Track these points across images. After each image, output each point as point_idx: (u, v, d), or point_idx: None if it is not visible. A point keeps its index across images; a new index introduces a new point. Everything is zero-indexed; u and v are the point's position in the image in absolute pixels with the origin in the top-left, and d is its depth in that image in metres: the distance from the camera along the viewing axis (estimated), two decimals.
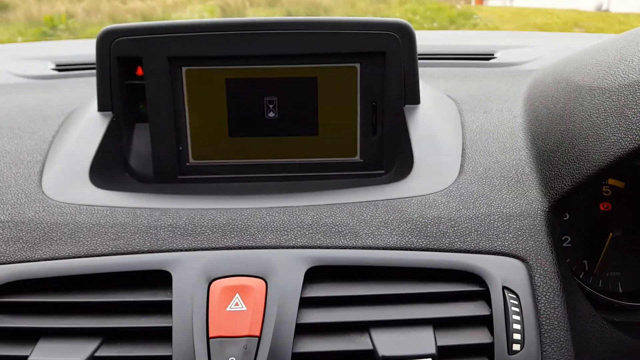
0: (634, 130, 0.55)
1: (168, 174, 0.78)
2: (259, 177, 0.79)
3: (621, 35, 0.70)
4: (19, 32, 6.37)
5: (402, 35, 0.74)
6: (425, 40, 1.11)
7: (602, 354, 0.64)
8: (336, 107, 0.78)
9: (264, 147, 0.79)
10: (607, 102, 0.59)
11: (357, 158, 0.80)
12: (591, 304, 0.69)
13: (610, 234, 0.73)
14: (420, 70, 0.92)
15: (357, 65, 0.76)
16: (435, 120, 0.75)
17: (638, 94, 0.57)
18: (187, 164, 0.79)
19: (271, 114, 0.78)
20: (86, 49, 1.03)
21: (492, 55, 1.03)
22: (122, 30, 0.74)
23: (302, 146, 0.79)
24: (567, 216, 0.74)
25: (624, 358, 0.66)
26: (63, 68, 1.00)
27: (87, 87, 0.87)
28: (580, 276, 0.73)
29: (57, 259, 0.57)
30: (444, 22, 7.64)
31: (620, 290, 0.73)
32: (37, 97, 0.85)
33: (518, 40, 1.13)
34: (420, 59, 0.98)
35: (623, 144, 0.56)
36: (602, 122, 0.59)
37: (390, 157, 0.78)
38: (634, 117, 0.56)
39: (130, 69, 0.77)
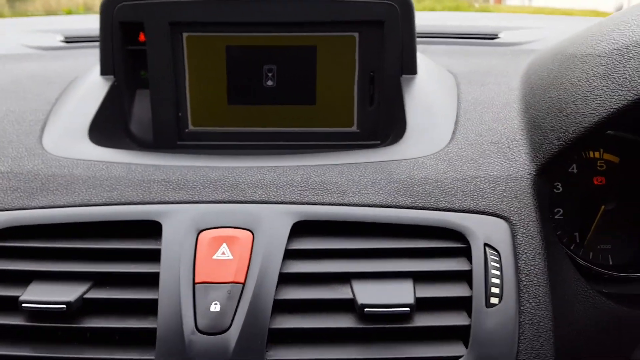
0: (619, 91, 0.56)
1: (167, 140, 0.80)
2: (256, 144, 0.81)
3: (621, 11, 0.70)
4: None
5: (400, 5, 0.75)
6: (431, 20, 1.12)
7: (585, 320, 0.65)
8: (334, 77, 0.79)
9: (263, 115, 0.80)
10: (597, 67, 0.60)
11: (354, 128, 0.81)
12: (580, 274, 0.70)
13: (603, 207, 0.73)
14: (423, 47, 0.93)
15: (356, 35, 0.77)
16: (431, 90, 0.76)
17: (626, 57, 0.57)
18: (187, 130, 0.80)
19: (270, 82, 0.79)
20: (95, 23, 1.05)
21: (496, 35, 1.03)
22: None
23: (299, 115, 0.80)
24: (561, 189, 0.75)
25: (608, 326, 0.66)
26: (72, 40, 1.03)
27: (93, 57, 0.89)
28: (571, 247, 0.73)
29: (52, 207, 0.59)
30: None
31: (611, 263, 0.73)
32: (44, 65, 0.88)
33: (523, 21, 1.14)
34: (424, 36, 0.99)
35: (608, 104, 0.56)
36: (590, 85, 0.59)
37: (387, 127, 0.79)
38: (620, 79, 0.56)
39: (133, 34, 0.78)
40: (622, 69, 0.57)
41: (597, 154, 0.76)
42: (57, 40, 1.03)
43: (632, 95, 0.55)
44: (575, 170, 0.76)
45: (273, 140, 0.81)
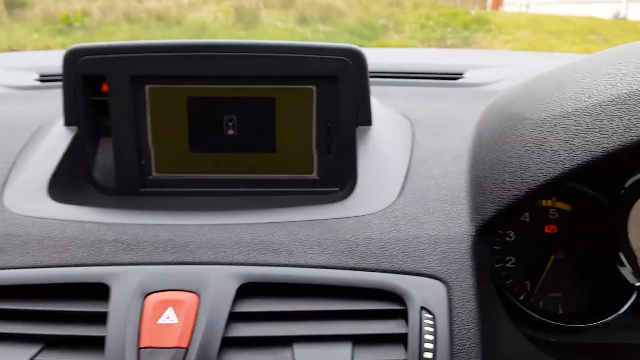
0: (549, 163, 0.58)
1: (130, 187, 0.82)
2: (219, 191, 0.83)
3: (573, 63, 0.72)
4: (35, 30, 6.48)
5: (353, 60, 0.77)
6: (396, 57, 1.14)
7: None
8: (293, 127, 0.81)
9: (224, 163, 0.82)
10: (532, 133, 0.62)
11: (314, 175, 0.83)
12: (527, 324, 0.72)
13: (553, 256, 0.75)
14: (386, 89, 0.95)
15: (313, 88, 0.79)
16: (385, 142, 0.78)
17: (557, 127, 0.59)
18: (150, 177, 0.82)
19: (231, 132, 0.81)
20: None
21: (461, 75, 1.05)
22: (87, 50, 0.78)
23: (260, 162, 0.82)
24: (513, 237, 0.77)
25: None
26: (46, 79, 1.05)
27: None
28: (521, 297, 0.75)
29: (7, 268, 0.61)
30: (458, 27, 7.63)
31: (560, 312, 0.75)
32: (14, 109, 0.90)
33: (489, 59, 1.16)
34: (387, 77, 1.01)
35: (538, 175, 0.58)
36: (525, 152, 0.61)
37: (344, 175, 0.81)
38: (550, 150, 0.58)
39: (96, 85, 0.80)
40: (552, 140, 0.59)
41: (549, 202, 0.78)
42: (31, 78, 1.05)
43: (558, 169, 0.57)
44: (527, 219, 0.77)
45: (235, 186, 0.83)
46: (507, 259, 0.76)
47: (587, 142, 0.55)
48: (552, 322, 0.72)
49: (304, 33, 6.49)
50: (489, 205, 0.64)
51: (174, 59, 0.77)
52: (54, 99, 0.93)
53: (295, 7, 7.29)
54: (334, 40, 6.39)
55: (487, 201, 0.65)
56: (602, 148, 0.54)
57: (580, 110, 0.58)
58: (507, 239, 0.76)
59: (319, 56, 0.77)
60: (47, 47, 6.01)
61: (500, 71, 1.05)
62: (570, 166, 0.56)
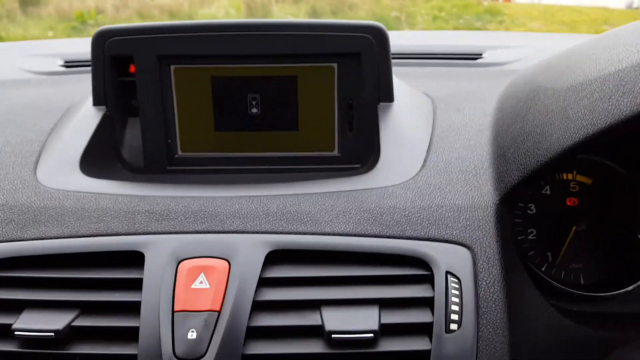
0: (572, 129, 0.59)
1: (158, 165, 0.84)
2: (242, 169, 0.84)
3: (592, 39, 0.73)
4: (49, 27, 6.54)
5: (375, 37, 0.78)
6: (416, 40, 1.15)
7: (547, 341, 0.68)
8: (315, 104, 0.82)
9: (248, 141, 0.84)
10: (555, 103, 0.63)
11: (335, 152, 0.84)
12: (551, 293, 0.73)
13: (574, 227, 0.76)
14: (406, 69, 0.97)
15: (335, 65, 0.81)
16: (407, 117, 0.79)
17: (580, 95, 0.60)
18: (176, 155, 0.84)
19: (254, 110, 0.83)
20: None
21: (480, 55, 1.06)
22: (115, 31, 0.80)
23: (283, 140, 0.84)
24: (534, 210, 0.78)
25: (571, 346, 0.69)
26: (71, 65, 1.07)
27: (90, 82, 0.93)
28: (543, 268, 0.76)
29: (44, 239, 0.63)
30: (471, 18, 7.59)
31: (582, 282, 0.76)
32: (42, 93, 0.92)
33: (507, 40, 1.16)
34: (408, 58, 1.02)
35: (562, 141, 0.60)
36: (548, 121, 0.63)
37: (366, 151, 0.82)
38: (574, 117, 0.59)
39: (124, 66, 0.83)
40: (575, 107, 0.60)
41: (570, 176, 0.79)
42: (56, 64, 1.07)
43: (582, 134, 0.58)
44: (548, 192, 0.78)
45: (258, 164, 0.85)
46: (529, 231, 0.77)
47: (610, 107, 0.56)
48: (575, 291, 0.73)
49: None
50: (513, 174, 0.66)
51: (199, 38, 0.79)
52: (80, 83, 0.95)
53: (307, 0, 7.28)
54: None
55: (510, 170, 0.66)
56: (625, 111, 0.55)
57: (602, 77, 0.59)
58: (529, 211, 0.77)
59: (341, 34, 0.78)
60: None
61: (519, 51, 1.06)
62: (594, 130, 0.57)
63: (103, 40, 0.80)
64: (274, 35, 0.79)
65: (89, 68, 1.02)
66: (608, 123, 0.56)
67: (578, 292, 0.73)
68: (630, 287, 0.72)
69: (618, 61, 0.59)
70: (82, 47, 1.21)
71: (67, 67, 1.06)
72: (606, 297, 0.73)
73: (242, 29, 0.79)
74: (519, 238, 0.76)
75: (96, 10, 6.86)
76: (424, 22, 7.07)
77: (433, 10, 7.59)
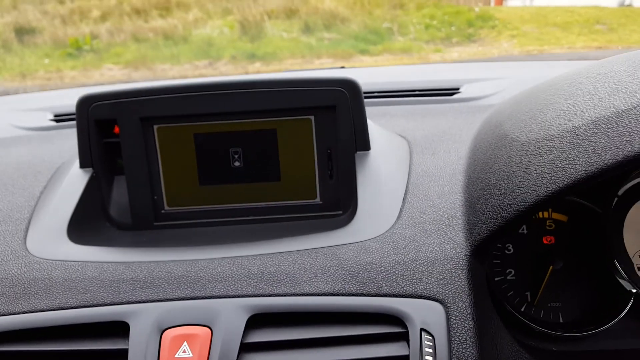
0: (533, 187, 0.61)
1: (145, 221, 0.86)
2: (228, 221, 0.87)
3: (559, 79, 0.75)
4: (45, 55, 6.60)
5: (349, 90, 0.81)
6: (394, 75, 1.17)
7: None
8: (295, 155, 0.85)
9: (232, 193, 0.87)
10: (518, 156, 0.65)
11: (317, 200, 0.86)
12: (530, 335, 0.75)
13: (551, 266, 0.78)
14: (384, 109, 0.99)
15: (312, 118, 0.83)
16: (383, 165, 0.82)
17: (540, 151, 0.62)
18: (162, 211, 0.87)
19: (237, 163, 0.85)
20: None
21: (457, 89, 1.08)
22: (98, 96, 0.82)
23: (266, 191, 0.86)
24: (512, 250, 0.80)
25: None
26: (61, 119, 1.10)
27: None
28: (522, 308, 0.78)
29: (33, 312, 0.66)
30: (463, 25, 7.63)
31: (561, 320, 0.78)
32: (32, 151, 0.95)
33: (486, 72, 1.19)
34: (386, 96, 1.05)
35: (525, 198, 0.62)
36: (512, 175, 0.65)
37: (347, 198, 0.85)
38: (534, 173, 0.61)
39: (108, 128, 0.85)
40: (536, 163, 0.62)
41: (546, 214, 0.81)
42: (46, 118, 1.10)
43: (542, 192, 0.60)
44: (525, 231, 0.80)
45: (243, 215, 0.87)
46: (507, 271, 0.79)
47: (567, 166, 0.58)
48: (553, 332, 0.75)
49: (308, 42, 6.53)
50: (481, 227, 0.68)
51: (180, 99, 0.82)
52: (70, 139, 0.98)
53: (299, 16, 7.34)
54: (339, 46, 6.43)
55: (479, 222, 0.68)
56: (580, 172, 0.57)
57: (560, 134, 0.61)
58: (506, 252, 0.79)
59: (316, 88, 0.81)
60: (59, 71, 6.12)
61: (497, 84, 1.09)
62: (553, 189, 0.59)
63: (87, 105, 0.82)
64: (252, 92, 0.81)
65: None
66: (565, 183, 0.58)
67: (556, 332, 0.75)
68: (609, 325, 0.74)
69: (575, 116, 0.61)
70: (71, 99, 1.24)
71: (57, 121, 1.09)
72: (585, 335, 0.75)
73: (222, 88, 0.81)
74: (496, 279, 0.78)
75: (91, 35, 6.93)
76: (416, 32, 7.12)
77: (425, 18, 7.64)
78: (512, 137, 0.69)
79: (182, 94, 0.82)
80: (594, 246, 0.79)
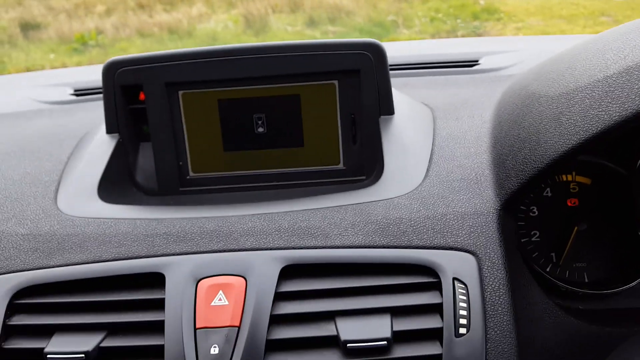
0: (566, 135, 0.62)
1: (170, 187, 0.87)
2: (251, 186, 0.88)
3: (583, 42, 0.76)
4: (51, 50, 6.61)
5: (374, 54, 0.82)
6: (413, 49, 1.18)
7: (553, 340, 0.70)
8: (319, 120, 0.86)
9: (256, 159, 0.87)
10: (548, 110, 0.66)
11: (341, 166, 0.87)
12: (556, 293, 0.75)
13: (576, 227, 0.78)
14: (405, 80, 1.00)
15: (335, 82, 0.84)
16: (408, 129, 0.82)
17: (572, 102, 0.63)
18: (187, 177, 0.87)
19: (260, 129, 0.86)
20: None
21: (477, 61, 1.09)
22: (124, 62, 0.83)
23: (289, 157, 0.87)
24: (536, 212, 0.80)
25: (577, 344, 0.71)
26: (81, 93, 1.11)
27: (101, 110, 0.97)
28: (548, 269, 0.78)
29: (68, 265, 0.67)
30: (468, 18, 7.61)
31: (586, 280, 0.78)
32: (55, 122, 0.96)
33: (503, 45, 1.19)
34: (406, 69, 1.05)
35: (557, 147, 0.62)
36: (543, 128, 0.65)
37: (370, 163, 0.85)
38: (567, 123, 0.62)
39: (134, 94, 0.86)
40: (568, 113, 0.62)
41: (569, 177, 0.81)
42: (67, 93, 1.11)
43: (575, 140, 0.61)
44: (549, 194, 0.81)
45: (267, 181, 0.88)
46: (532, 233, 0.79)
47: (600, 113, 0.59)
48: (579, 289, 0.75)
49: (313, 35, 6.53)
50: (512, 180, 0.68)
51: (204, 64, 0.82)
52: (91, 111, 0.98)
53: (304, 9, 7.33)
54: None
55: (510, 176, 0.69)
56: (614, 117, 0.58)
57: (592, 84, 0.62)
58: (531, 214, 0.80)
59: (340, 52, 0.81)
60: (65, 66, 6.13)
61: (515, 56, 1.09)
62: (586, 136, 0.59)
63: (113, 71, 0.83)
64: (277, 57, 0.82)
65: (98, 96, 1.06)
66: (599, 129, 0.58)
67: (582, 290, 0.75)
68: (634, 283, 0.74)
69: (606, 67, 0.62)
70: (90, 75, 1.25)
71: (77, 95, 1.10)
72: (610, 293, 0.75)
73: (246, 53, 0.82)
74: (522, 240, 0.79)
75: (96, 30, 6.93)
76: (422, 24, 7.10)
77: (430, 11, 7.61)
78: (541, 93, 0.70)
79: (206, 59, 0.82)
80: (618, 207, 0.79)
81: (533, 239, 0.79)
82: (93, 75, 1.23)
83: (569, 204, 0.80)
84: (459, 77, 1.01)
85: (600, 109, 0.59)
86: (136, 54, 0.84)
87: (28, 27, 7.08)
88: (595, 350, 0.71)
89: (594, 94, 0.61)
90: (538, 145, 0.65)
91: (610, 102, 0.58)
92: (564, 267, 0.79)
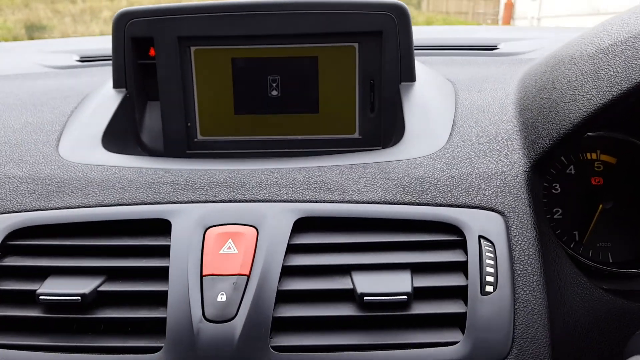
0: (604, 88, 0.58)
1: (177, 149, 0.83)
2: (262, 152, 0.84)
3: (614, 16, 0.73)
4: None
5: (397, 15, 0.78)
6: (432, 32, 1.15)
7: (581, 309, 0.66)
8: (336, 86, 0.82)
9: (268, 124, 0.84)
10: (584, 67, 0.63)
11: (356, 135, 0.83)
12: (581, 271, 0.72)
13: (600, 205, 0.75)
14: (424, 58, 0.96)
15: (356, 45, 0.81)
16: (429, 96, 0.79)
17: (610, 56, 0.60)
18: (195, 139, 0.84)
19: (274, 92, 0.82)
20: (109, 44, 1.10)
21: (495, 46, 1.06)
22: (136, 12, 0.80)
23: (303, 123, 0.83)
24: (559, 189, 0.77)
25: (605, 316, 0.67)
26: (87, 59, 1.07)
27: (107, 74, 0.93)
28: (571, 246, 0.75)
29: (68, 208, 0.62)
30: None
31: (611, 260, 0.75)
32: (60, 82, 0.92)
33: (522, 33, 1.17)
34: (425, 49, 1.02)
35: (595, 100, 0.59)
36: (578, 84, 0.62)
37: (388, 133, 0.82)
38: (605, 76, 0.59)
39: (144, 49, 0.82)
40: (607, 67, 0.59)
41: (594, 155, 0.78)
42: (72, 59, 1.07)
43: (616, 90, 0.57)
44: (572, 172, 0.77)
45: (278, 147, 0.84)
46: (555, 210, 0.76)
47: None
48: (605, 267, 0.71)
49: None
50: (543, 139, 0.65)
51: (219, 19, 0.79)
52: (97, 75, 0.95)
53: None
54: None
55: (540, 136, 0.65)
56: None
57: (633, 37, 0.59)
58: (554, 191, 0.76)
59: (362, 12, 0.78)
60: None
61: (534, 42, 1.06)
62: (628, 86, 0.56)
63: (124, 22, 0.80)
64: (295, 14, 0.79)
65: (104, 62, 1.03)
66: None
67: (608, 268, 0.72)
68: None
69: None
70: (96, 44, 1.21)
71: (83, 62, 1.07)
72: (636, 273, 0.71)
73: (263, 9, 0.79)
74: (546, 217, 0.75)
75: (101, 34, 6.94)
76: None
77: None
78: (575, 54, 0.67)
79: (221, 13, 0.79)
80: None
81: (555, 216, 0.76)
82: (99, 44, 1.20)
83: (593, 182, 0.77)
84: (478, 58, 0.98)
85: None
86: (148, 6, 0.81)
87: (33, 29, 7.10)
88: (623, 324, 0.67)
89: (635, 45, 0.58)
90: (573, 102, 0.62)
91: None
92: (587, 246, 0.75)
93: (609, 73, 0.58)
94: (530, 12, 10.96)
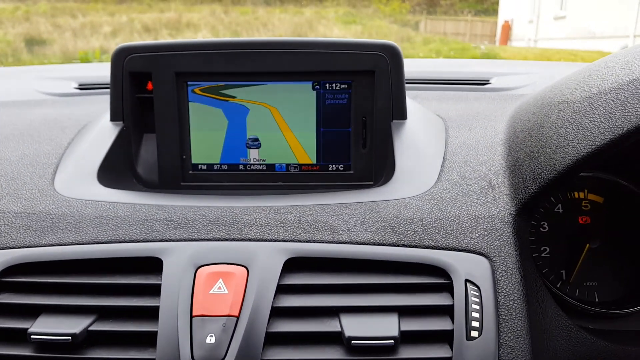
0: (589, 137, 0.60)
1: (172, 181, 0.84)
2: (256, 185, 0.85)
3: (600, 59, 0.75)
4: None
5: (389, 56, 0.80)
6: (425, 66, 1.17)
7: (565, 352, 0.67)
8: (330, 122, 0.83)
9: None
10: (570, 114, 0.64)
11: (349, 169, 0.85)
12: (566, 311, 0.73)
13: (587, 245, 0.76)
14: (416, 92, 0.98)
15: (350, 83, 0.82)
16: (420, 134, 0.80)
17: (595, 105, 0.61)
18: (190, 172, 0.85)
19: None
20: (107, 71, 1.12)
21: (488, 81, 1.08)
22: (135, 48, 0.81)
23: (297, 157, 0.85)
24: (547, 228, 0.78)
25: (588, 358, 0.68)
26: (85, 87, 1.09)
27: (105, 104, 0.94)
28: (558, 285, 0.76)
29: (62, 245, 0.63)
30: None
31: (597, 300, 0.76)
32: (58, 111, 0.93)
33: (515, 68, 1.19)
34: (418, 83, 1.04)
35: (579, 149, 0.60)
36: (564, 131, 0.63)
37: (379, 168, 0.83)
38: (589, 125, 0.60)
39: (141, 83, 0.84)
40: (591, 116, 0.61)
41: (582, 195, 0.79)
42: (71, 87, 1.09)
43: (600, 140, 0.59)
44: (560, 210, 0.79)
45: (272, 180, 0.85)
46: (542, 248, 0.77)
47: (626, 114, 0.57)
48: (591, 307, 0.72)
49: None
50: (529, 184, 0.66)
51: (217, 56, 0.80)
52: (94, 104, 0.96)
53: None
54: None
55: (526, 180, 0.67)
56: None
57: (617, 87, 0.60)
58: (541, 229, 0.78)
59: (356, 52, 0.80)
60: None
61: (526, 78, 1.08)
62: (611, 137, 0.58)
63: (123, 57, 0.81)
64: (291, 53, 0.80)
65: (103, 90, 1.05)
66: (625, 129, 0.57)
67: (594, 309, 0.73)
68: None
69: (631, 72, 0.61)
70: (95, 71, 1.23)
71: (81, 89, 1.08)
72: (622, 314, 0.72)
73: (260, 47, 0.80)
74: (533, 255, 0.76)
75: (100, 50, 6.98)
76: None
77: (431, 53, 7.74)
78: (561, 100, 0.68)
79: (218, 50, 0.81)
80: (630, 227, 0.77)
81: (543, 254, 0.77)
82: (98, 71, 1.21)
83: (581, 221, 0.78)
84: (470, 93, 1.00)
85: (627, 110, 0.57)
86: (147, 42, 0.82)
87: (33, 43, 7.13)
88: None
89: (619, 96, 0.59)
90: (559, 148, 0.63)
91: (637, 103, 0.57)
92: (573, 285, 0.76)
93: (593, 122, 0.60)
94: (527, 35, 11.08)
